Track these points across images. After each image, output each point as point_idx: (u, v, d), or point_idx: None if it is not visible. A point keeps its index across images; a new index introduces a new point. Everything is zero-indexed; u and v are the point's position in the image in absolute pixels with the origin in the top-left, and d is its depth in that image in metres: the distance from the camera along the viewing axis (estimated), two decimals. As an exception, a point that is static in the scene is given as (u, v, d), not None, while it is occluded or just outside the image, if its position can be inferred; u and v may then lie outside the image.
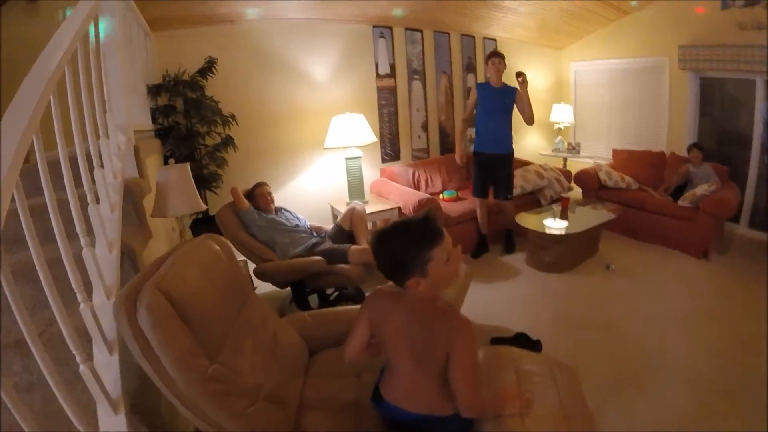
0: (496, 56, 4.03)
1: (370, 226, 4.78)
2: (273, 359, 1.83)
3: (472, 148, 4.36)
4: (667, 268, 4.11)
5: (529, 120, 4.09)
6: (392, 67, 5.04)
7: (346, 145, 4.22)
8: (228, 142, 4.00)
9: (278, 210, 3.68)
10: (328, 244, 3.48)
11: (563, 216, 4.25)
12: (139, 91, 3.06)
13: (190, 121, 3.78)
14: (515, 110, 4.16)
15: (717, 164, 4.67)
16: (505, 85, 4.10)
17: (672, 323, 3.21)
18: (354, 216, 3.67)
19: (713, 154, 4.91)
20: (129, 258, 1.89)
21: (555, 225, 4.18)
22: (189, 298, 1.46)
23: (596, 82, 6.19)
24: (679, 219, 4.38)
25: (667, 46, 5.23)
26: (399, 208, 4.24)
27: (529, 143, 6.52)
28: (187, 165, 2.73)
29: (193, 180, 2.71)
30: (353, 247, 3.36)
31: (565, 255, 4.06)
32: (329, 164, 4.74)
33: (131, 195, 2.22)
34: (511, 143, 4.27)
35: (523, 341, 2.92)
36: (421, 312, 1.43)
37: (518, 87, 3.99)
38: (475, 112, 4.29)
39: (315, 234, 3.62)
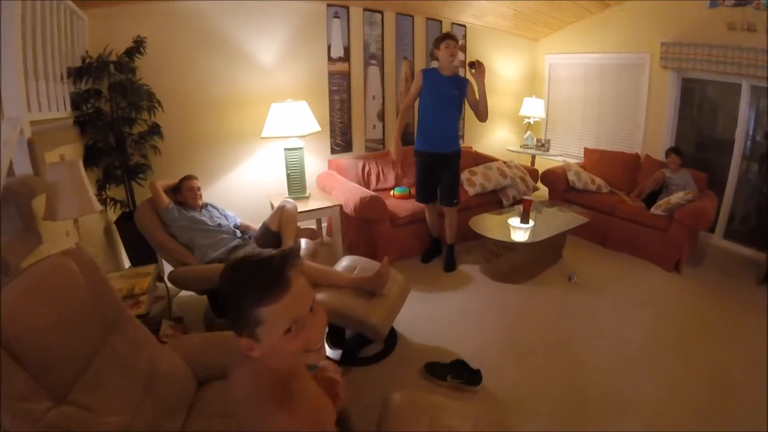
0: (449, 38, 3.52)
1: (315, 226, 4.39)
2: (147, 393, 1.63)
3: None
4: (634, 281, 3.75)
5: (483, 116, 3.63)
6: (347, 50, 4.58)
7: (285, 134, 3.77)
8: (154, 130, 3.58)
9: (204, 206, 3.32)
10: (250, 248, 3.10)
11: (524, 219, 3.83)
12: (52, 76, 2.72)
13: (117, 107, 3.36)
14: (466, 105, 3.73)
15: (695, 171, 4.34)
16: (457, 74, 3.63)
17: (633, 348, 2.85)
18: (282, 215, 3.25)
19: (691, 159, 4.57)
20: (2, 268, 1.66)
21: (514, 230, 3.76)
22: (24, 333, 1.28)
23: (571, 77, 5.79)
24: (651, 228, 4.02)
25: (649, 43, 4.86)
26: (340, 206, 3.81)
27: (496, 138, 6.12)
28: (79, 161, 2.32)
29: (85, 178, 2.28)
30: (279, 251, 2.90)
31: (523, 264, 3.67)
32: (271, 155, 4.29)
33: (15, 196, 1.98)
34: (458, 141, 3.80)
35: (461, 370, 2.54)
36: (264, 393, 1.00)
37: (472, 78, 3.54)
38: (417, 103, 3.83)
39: (240, 235, 3.26)
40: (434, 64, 3.97)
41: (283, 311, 0.95)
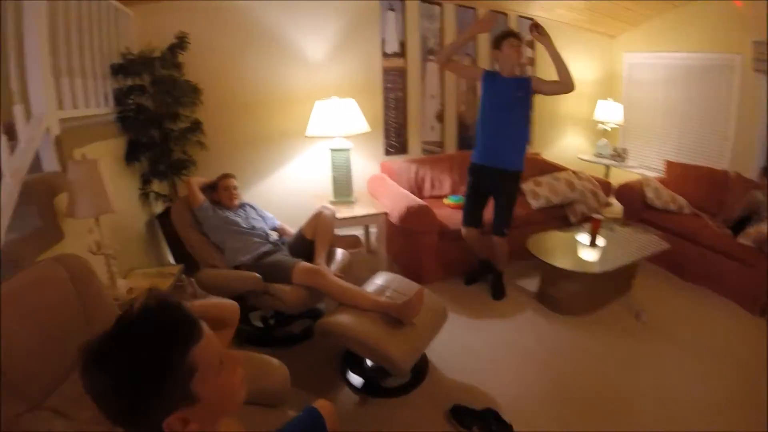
0: (512, 36, 3.09)
1: (363, 232, 4.12)
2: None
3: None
4: (712, 325, 3.21)
5: (568, 83, 2.97)
6: (402, 44, 4.26)
7: (330, 134, 3.54)
8: (196, 126, 3.56)
9: (241, 207, 3.17)
10: (278, 256, 2.89)
11: (592, 242, 3.40)
12: (91, 73, 2.78)
13: (160, 103, 3.33)
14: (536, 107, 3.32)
15: None
16: (518, 76, 3.21)
17: (700, 417, 2.34)
18: (318, 223, 3.02)
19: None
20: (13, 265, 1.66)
21: (579, 255, 3.33)
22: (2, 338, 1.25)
23: (652, 79, 5.17)
24: (737, 260, 3.46)
25: (740, 42, 4.20)
26: (386, 214, 3.51)
27: (566, 144, 5.59)
28: (97, 161, 2.29)
29: (104, 177, 2.27)
30: (300, 264, 2.71)
31: (585, 293, 3.25)
32: (317, 155, 4.08)
33: (36, 194, 2.00)
34: (521, 158, 3.24)
35: (491, 422, 2.20)
36: None
37: (538, 40, 3.00)
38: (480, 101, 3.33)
39: (273, 239, 3.07)
40: (496, 67, 3.54)
41: (210, 343, 0.80)
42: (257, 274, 2.65)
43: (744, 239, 3.46)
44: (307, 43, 3.95)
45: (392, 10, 4.16)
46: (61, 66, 2.39)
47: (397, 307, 2.36)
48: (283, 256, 2.89)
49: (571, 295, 3.22)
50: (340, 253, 3.06)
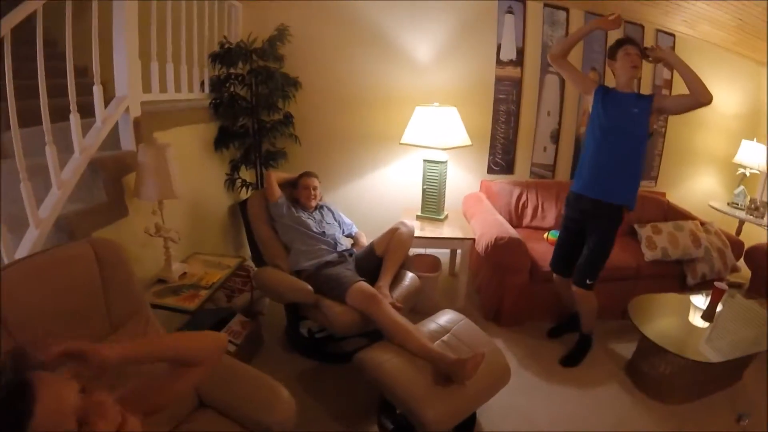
0: (629, 44, 2.55)
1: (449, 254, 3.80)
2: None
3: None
4: None
5: (701, 93, 2.34)
6: (520, 52, 3.84)
7: (425, 144, 3.24)
8: (287, 120, 3.54)
9: (319, 208, 3.04)
10: (340, 269, 2.67)
11: (708, 315, 2.84)
12: (189, 60, 2.94)
13: (256, 93, 3.32)
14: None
15: None
16: (637, 92, 2.65)
17: None
18: (392, 240, 2.77)
19: None
20: (67, 235, 1.85)
21: (686, 331, 2.77)
22: (18, 311, 1.31)
23: (812, 118, 4.37)
24: None
25: None
26: (473, 241, 3.17)
27: (698, 186, 4.82)
28: (167, 146, 2.25)
29: (171, 162, 2.24)
30: (358, 284, 2.47)
31: (683, 378, 2.68)
32: (412, 165, 3.84)
33: (105, 170, 2.13)
34: (630, 192, 2.63)
35: None
36: None
37: (656, 60, 2.55)
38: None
39: (341, 249, 2.88)
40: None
41: (55, 409, 0.71)
42: (310, 287, 2.49)
43: None
44: (413, 43, 3.70)
45: (511, 12, 3.75)
46: (152, 52, 2.51)
47: (450, 362, 2.00)
48: (346, 269, 2.67)
49: (666, 376, 2.68)
50: (409, 278, 2.78)
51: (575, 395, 2.66)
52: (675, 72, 4.19)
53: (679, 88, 3.86)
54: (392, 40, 3.66)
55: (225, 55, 3.15)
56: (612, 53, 2.64)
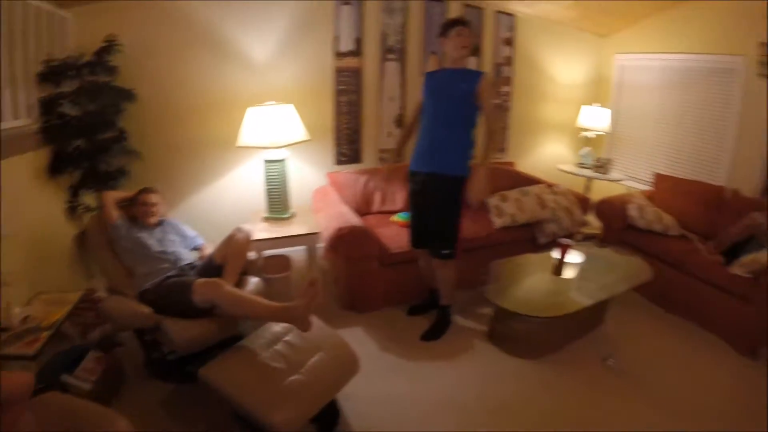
0: (462, 25, 2.62)
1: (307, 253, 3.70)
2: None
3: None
4: (695, 370, 2.74)
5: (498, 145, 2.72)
6: (358, 42, 3.83)
7: (262, 144, 3.14)
8: (122, 136, 3.29)
9: (160, 224, 2.86)
10: (182, 278, 2.56)
11: (558, 271, 2.93)
12: (11, 83, 2.59)
13: (85, 111, 3.08)
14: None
15: None
16: (467, 68, 2.72)
17: None
18: (230, 246, 2.68)
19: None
20: None
21: (538, 289, 2.85)
22: None
23: (646, 82, 4.66)
24: (728, 293, 2.98)
25: (744, 43, 3.70)
26: (319, 235, 3.11)
27: (546, 153, 5.10)
28: None
29: None
30: (199, 279, 2.38)
31: (543, 333, 2.77)
32: (257, 166, 3.69)
33: None
34: (464, 162, 2.69)
35: None
36: None
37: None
38: None
39: (182, 265, 2.71)
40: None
41: None
42: (147, 310, 2.33)
43: (739, 269, 2.97)
44: (250, 42, 3.57)
45: (347, 3, 3.74)
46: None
47: (290, 309, 2.15)
48: (188, 277, 2.55)
49: (526, 334, 2.75)
50: (252, 283, 2.70)
51: (440, 368, 2.68)
52: (515, 49, 4.45)
53: (521, 64, 4.03)
54: (229, 40, 3.52)
55: (50, 74, 2.90)
56: (444, 31, 2.69)
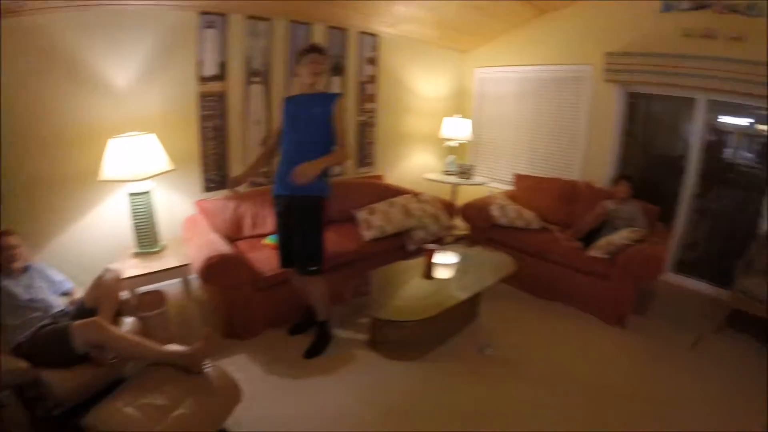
0: (315, 52, 2.73)
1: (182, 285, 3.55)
2: None
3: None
4: (568, 344, 3.05)
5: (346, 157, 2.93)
6: (223, 66, 3.80)
7: (125, 177, 2.98)
8: None
9: (26, 270, 2.60)
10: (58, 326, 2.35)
11: (427, 274, 3.06)
12: None
13: None
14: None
15: (646, 203, 3.70)
16: (322, 92, 2.84)
17: None
18: (100, 288, 2.55)
19: (638, 186, 3.82)
20: None
21: (408, 295, 2.96)
22: None
23: (504, 93, 5.11)
24: (590, 274, 3.33)
25: (592, 53, 4.25)
26: (189, 267, 3.01)
27: (413, 164, 5.35)
28: None
29: None
30: (76, 321, 2.24)
31: (419, 334, 2.89)
32: (122, 200, 3.48)
33: None
34: (321, 180, 2.74)
35: None
36: None
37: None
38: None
39: (54, 312, 2.51)
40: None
41: None
42: (23, 364, 2.13)
43: (595, 252, 3.34)
44: (112, 69, 3.36)
45: (211, 27, 3.69)
46: None
47: (184, 355, 2.17)
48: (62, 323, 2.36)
49: (404, 337, 2.86)
50: (128, 322, 2.58)
51: (326, 382, 2.70)
52: (379, 67, 4.61)
53: (386, 81, 4.12)
54: (87, 67, 3.28)
55: None
56: (298, 59, 2.76)
